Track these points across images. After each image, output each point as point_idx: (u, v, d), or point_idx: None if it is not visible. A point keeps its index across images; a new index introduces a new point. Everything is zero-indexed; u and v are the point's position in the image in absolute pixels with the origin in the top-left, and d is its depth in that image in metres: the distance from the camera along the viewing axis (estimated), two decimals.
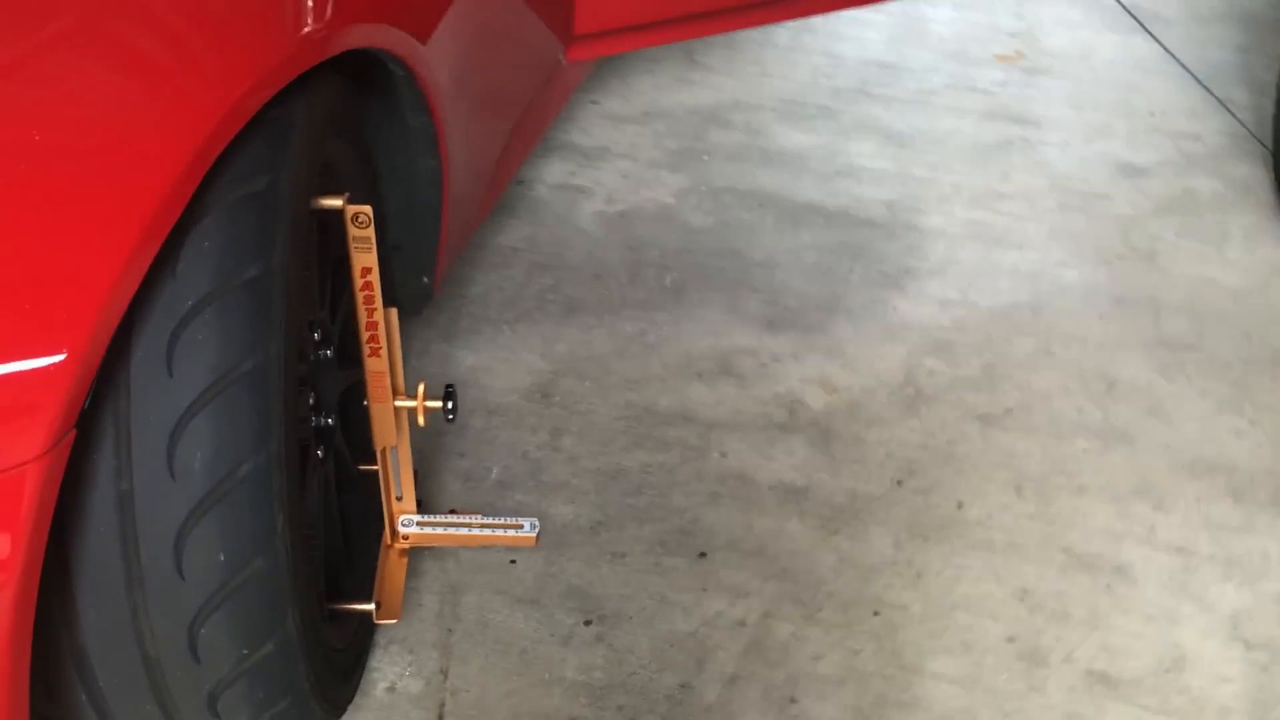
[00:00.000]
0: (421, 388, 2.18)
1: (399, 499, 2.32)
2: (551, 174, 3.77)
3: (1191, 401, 3.08)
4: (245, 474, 1.61)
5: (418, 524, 2.30)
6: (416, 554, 2.54)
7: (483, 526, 2.31)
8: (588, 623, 2.49)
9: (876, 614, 2.53)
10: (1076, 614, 2.55)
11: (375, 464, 2.42)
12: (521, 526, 2.33)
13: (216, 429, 1.59)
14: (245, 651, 1.69)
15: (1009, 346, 3.22)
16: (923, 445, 2.92)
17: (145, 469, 1.58)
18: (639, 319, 3.25)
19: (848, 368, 3.13)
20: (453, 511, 2.39)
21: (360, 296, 1.98)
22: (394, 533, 2.32)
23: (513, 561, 2.61)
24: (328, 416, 2.12)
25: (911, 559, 2.65)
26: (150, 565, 1.61)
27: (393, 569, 2.30)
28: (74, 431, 1.47)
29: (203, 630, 1.65)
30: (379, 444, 2.16)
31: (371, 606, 2.19)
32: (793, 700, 2.37)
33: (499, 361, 3.10)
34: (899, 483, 2.83)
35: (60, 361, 1.39)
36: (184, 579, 1.62)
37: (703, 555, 2.65)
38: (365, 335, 2.01)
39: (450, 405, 2.16)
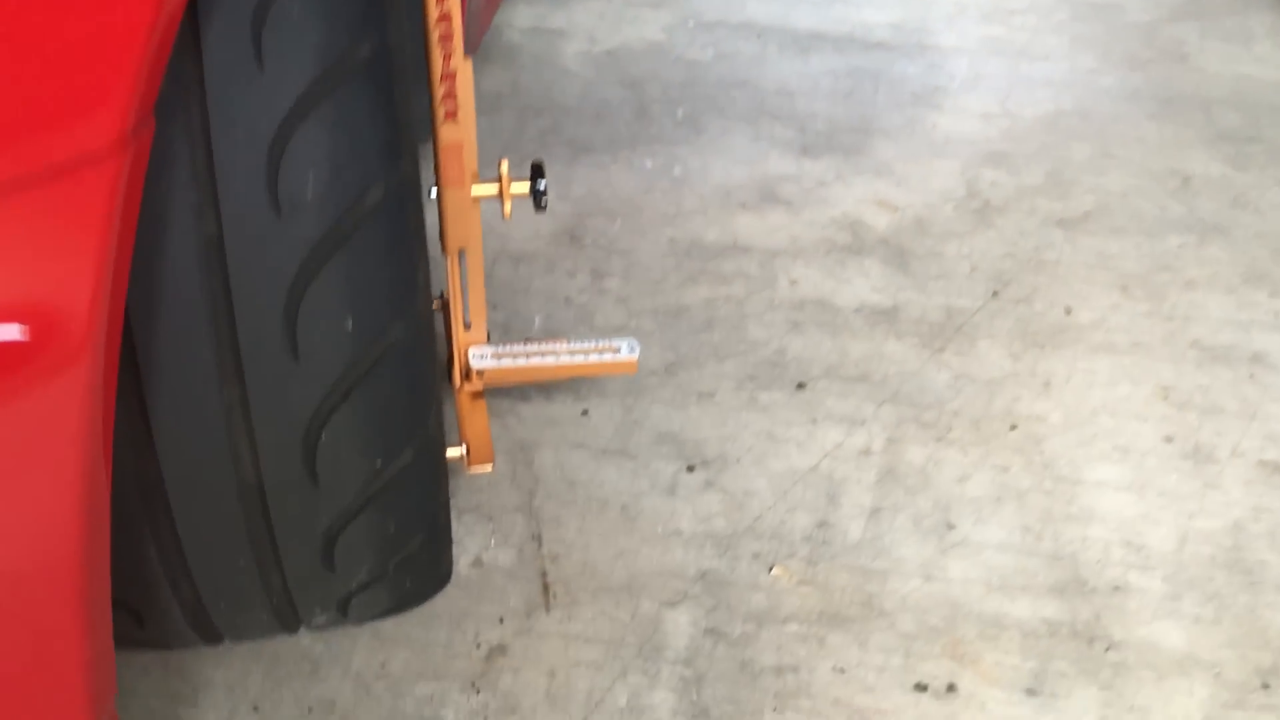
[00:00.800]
0: (504, 165, 1.74)
1: (467, 326, 1.88)
2: (519, 18, 3.32)
3: (1271, 190, 2.82)
4: (375, 202, 1.17)
5: (493, 356, 1.86)
6: None
7: (573, 353, 1.89)
8: (690, 469, 2.09)
9: (1014, 428, 2.19)
10: (1228, 406, 2.25)
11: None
12: (618, 350, 1.92)
13: (331, 138, 1.14)
14: (379, 464, 1.25)
15: (1067, 152, 2.91)
16: (1008, 254, 2.59)
17: (235, 201, 1.12)
18: (658, 154, 2.84)
19: (901, 186, 2.78)
20: (529, 341, 1.97)
21: (436, 38, 1.53)
22: (465, 371, 1.88)
23: (584, 413, 2.19)
24: None
25: (1033, 369, 2.32)
26: (250, 344, 1.15)
27: (470, 413, 1.86)
28: (153, 121, 1.00)
29: (324, 435, 1.20)
30: (451, 246, 1.72)
31: (461, 451, 1.75)
32: (950, 526, 2.01)
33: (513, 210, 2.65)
34: (995, 294, 2.50)
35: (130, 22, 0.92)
36: (297, 359, 1.17)
37: (801, 386, 2.27)
38: (440, 92, 1.57)
39: (542, 187, 1.73)
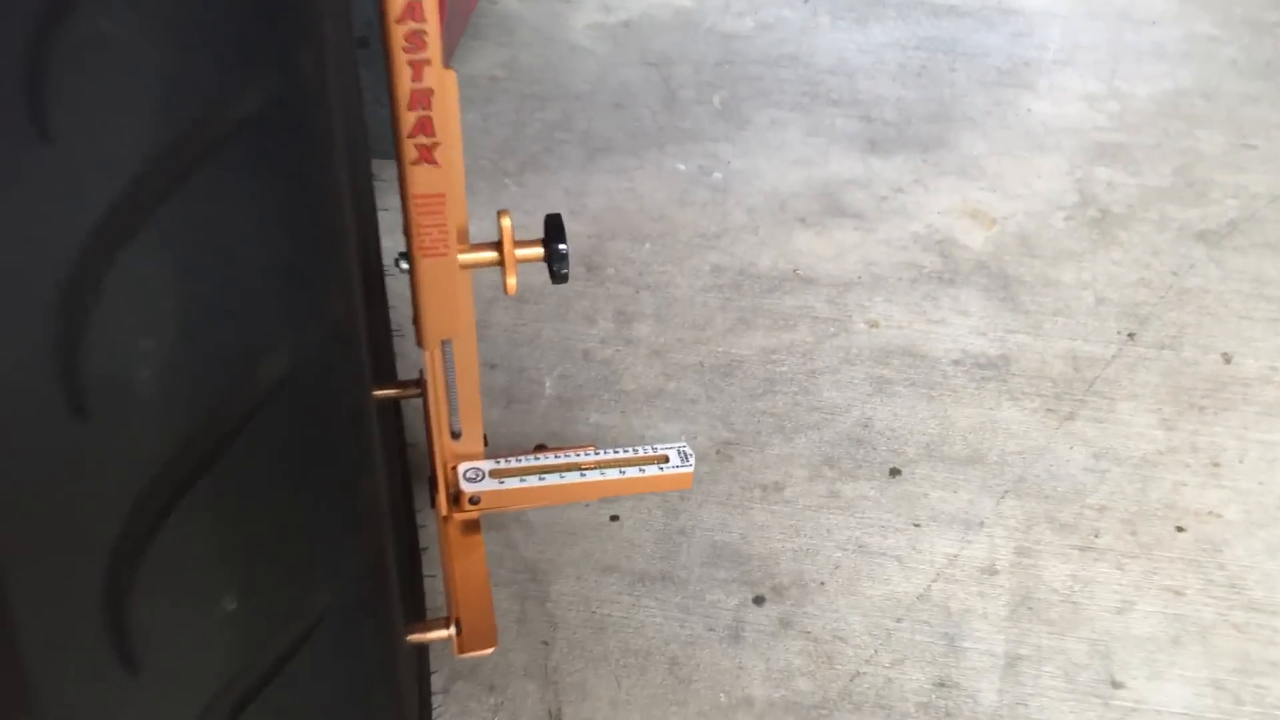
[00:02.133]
0: (505, 221, 1.20)
1: (456, 436, 1.34)
2: None
3: None
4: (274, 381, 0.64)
5: (492, 475, 1.33)
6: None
7: (603, 468, 1.36)
8: (759, 600, 1.57)
9: (1181, 529, 1.67)
10: None
11: (402, 385, 1.45)
12: (666, 459, 1.39)
13: (184, 285, 0.60)
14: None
15: (1194, 143, 2.36)
16: (1141, 281, 2.05)
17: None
18: (693, 153, 2.29)
19: (996, 190, 2.23)
20: (541, 449, 1.45)
21: (399, 43, 0.98)
22: (453, 495, 1.35)
23: (614, 519, 1.66)
24: None
25: (1194, 441, 1.78)
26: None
27: (461, 556, 1.34)
28: None
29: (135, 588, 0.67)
30: (430, 337, 1.18)
31: (448, 632, 1.22)
32: (1115, 684, 1.49)
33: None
34: (1130, 335, 1.96)
35: None
36: None
37: (895, 473, 1.74)
38: (408, 123, 1.03)
39: (561, 250, 1.19)
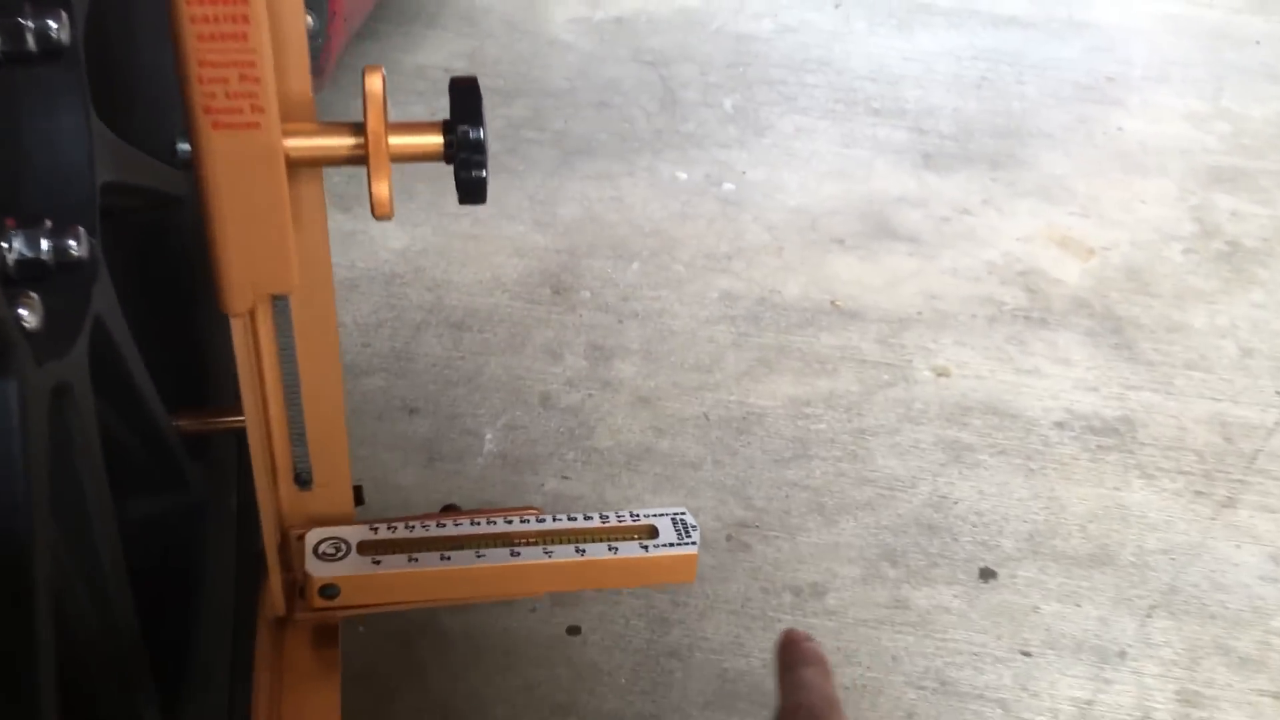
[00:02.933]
0: (375, 83, 0.68)
1: (302, 482, 0.80)
2: None
3: None
4: None
5: (359, 548, 0.79)
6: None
7: (555, 540, 0.82)
8: None
9: None
10: None
11: (226, 413, 0.92)
12: (654, 532, 0.84)
13: None
14: None
15: None
16: None
17: None
18: (699, 160, 1.78)
19: (1091, 215, 1.72)
20: (452, 511, 0.91)
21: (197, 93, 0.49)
22: (296, 587, 0.80)
23: (573, 630, 1.11)
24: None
25: None
26: None
27: (300, 692, 0.79)
28: None
29: None
30: (238, 291, 0.65)
31: None
32: None
33: (455, 239, 1.59)
34: None
35: None
36: None
37: (989, 575, 1.19)
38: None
39: (472, 137, 0.68)
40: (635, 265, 1.57)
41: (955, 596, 1.17)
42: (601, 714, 1.05)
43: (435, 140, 0.67)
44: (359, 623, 1.10)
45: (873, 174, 1.78)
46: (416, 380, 1.37)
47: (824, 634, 1.13)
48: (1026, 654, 1.12)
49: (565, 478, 1.26)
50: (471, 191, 0.68)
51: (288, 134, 0.64)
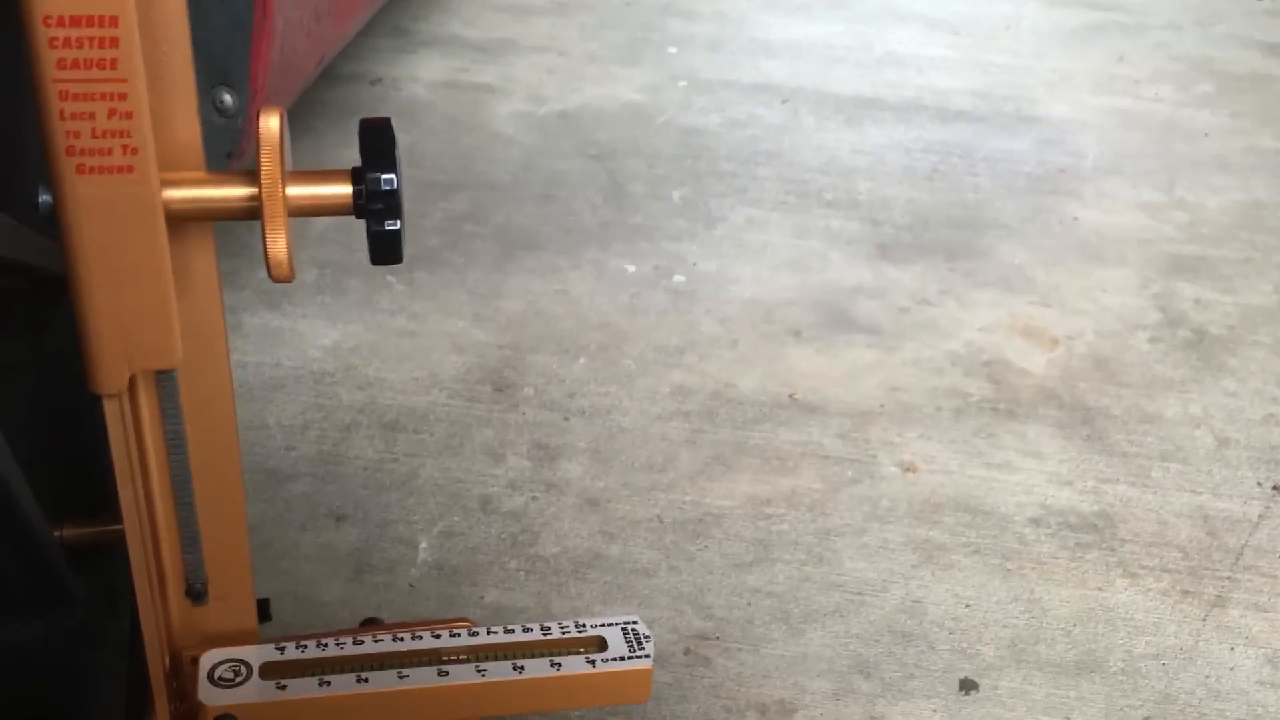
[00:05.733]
0: (273, 123, 0.59)
1: (196, 597, 0.69)
2: (428, 71, 2.22)
3: None
4: None
5: (263, 672, 0.68)
6: None
7: (488, 655, 0.71)
8: None
9: None
10: None
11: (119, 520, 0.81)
12: (603, 643, 0.74)
13: None
14: None
15: None
16: (1271, 418, 1.47)
17: None
18: (647, 253, 1.71)
19: (1053, 304, 1.66)
20: (372, 624, 0.80)
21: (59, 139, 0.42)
22: (189, 717, 0.69)
23: None
24: None
25: None
26: None
27: None
28: None
29: None
30: (108, 368, 0.55)
31: None
32: None
33: (389, 335, 1.50)
34: (1276, 488, 1.36)
35: None
36: None
37: (970, 686, 1.10)
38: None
39: (383, 185, 0.60)
40: (582, 360, 1.48)
41: (935, 711, 1.07)
42: None
43: (342, 190, 0.59)
44: None
45: (828, 265, 1.72)
46: (345, 485, 1.27)
47: None
48: None
49: (507, 589, 1.16)
50: (385, 248, 0.59)
51: (168, 183, 0.56)
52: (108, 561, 0.88)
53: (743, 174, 1.95)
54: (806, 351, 1.54)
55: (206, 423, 0.64)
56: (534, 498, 1.28)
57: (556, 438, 1.36)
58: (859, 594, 1.19)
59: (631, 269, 1.68)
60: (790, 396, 1.46)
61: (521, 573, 1.18)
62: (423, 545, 1.20)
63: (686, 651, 1.11)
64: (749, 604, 1.17)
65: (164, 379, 0.62)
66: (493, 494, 1.28)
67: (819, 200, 1.89)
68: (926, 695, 1.09)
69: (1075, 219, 1.90)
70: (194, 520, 0.66)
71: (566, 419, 1.39)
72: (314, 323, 1.51)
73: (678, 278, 1.67)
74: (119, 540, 0.83)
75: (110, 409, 0.59)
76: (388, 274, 1.61)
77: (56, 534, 0.81)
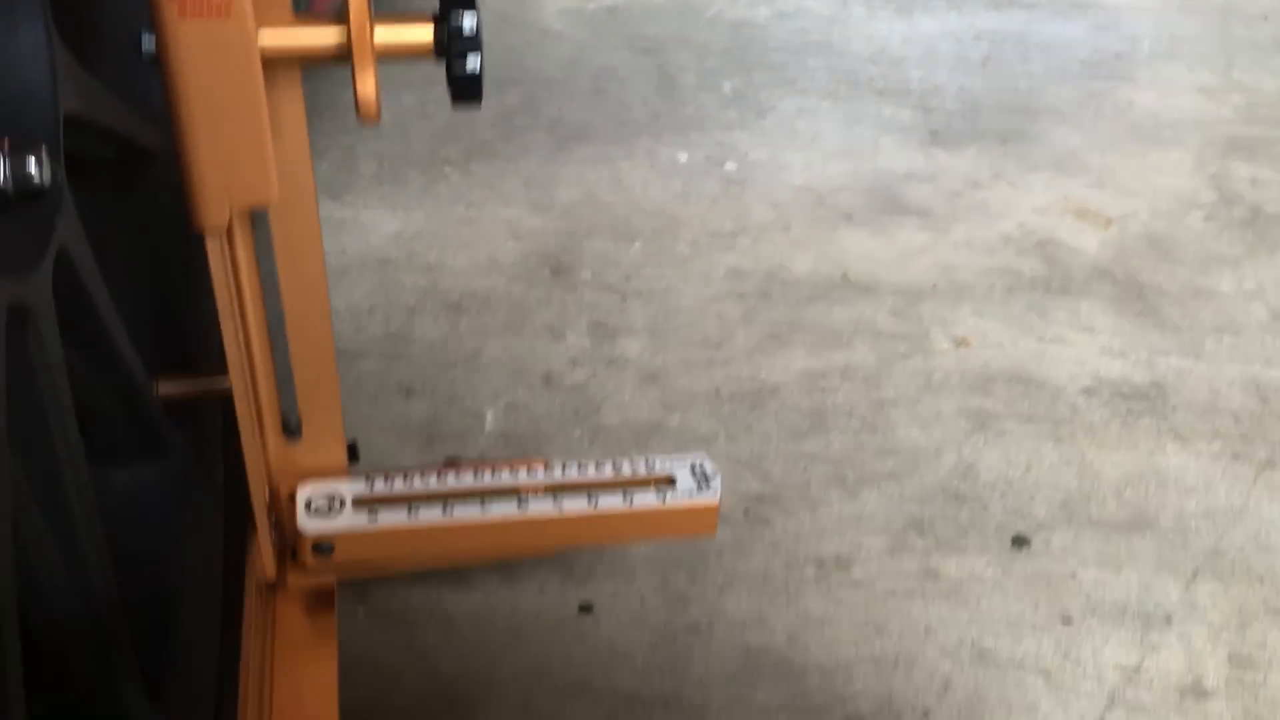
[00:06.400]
0: None
1: (291, 433, 0.74)
2: None
3: None
4: None
5: (355, 503, 0.73)
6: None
7: (565, 492, 0.75)
8: None
9: None
10: None
11: (211, 379, 0.86)
12: (672, 481, 0.78)
13: None
14: None
15: None
16: None
17: None
18: (699, 143, 1.73)
19: (1107, 186, 1.67)
20: (454, 464, 0.85)
21: None
22: (287, 549, 0.74)
23: (585, 608, 1.04)
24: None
25: None
26: None
27: (293, 661, 0.72)
28: None
29: None
30: (213, 204, 0.59)
31: None
32: None
33: (449, 223, 1.53)
34: None
35: None
36: None
37: (1022, 543, 1.13)
38: None
39: (464, 29, 0.62)
40: (637, 245, 1.51)
41: (988, 565, 1.11)
42: (618, 693, 0.98)
43: (424, 33, 0.62)
44: (358, 606, 1.04)
45: (879, 152, 1.73)
46: (412, 363, 1.31)
47: (852, 607, 1.06)
48: (1067, 622, 1.06)
49: (572, 456, 1.20)
50: (466, 88, 0.62)
51: (262, 25, 0.59)
52: (202, 417, 0.93)
53: (793, 65, 1.95)
54: (859, 234, 1.56)
55: (297, 265, 0.68)
56: (594, 373, 1.31)
57: (615, 317, 1.40)
58: (913, 459, 1.22)
59: (683, 158, 1.70)
60: (843, 277, 1.48)
61: (585, 441, 1.22)
62: (489, 417, 1.25)
63: (746, 512, 1.15)
64: (805, 469, 1.21)
65: (259, 219, 0.65)
66: (554, 370, 1.32)
67: (870, 89, 1.89)
68: (980, 550, 1.12)
69: (1130, 103, 1.89)
70: (287, 356, 0.71)
71: (624, 300, 1.42)
72: (375, 213, 1.55)
73: (729, 166, 1.68)
74: (212, 396, 0.88)
75: (213, 247, 0.63)
76: (445, 165, 1.64)
77: (156, 389, 0.86)
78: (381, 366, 1.31)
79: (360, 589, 1.06)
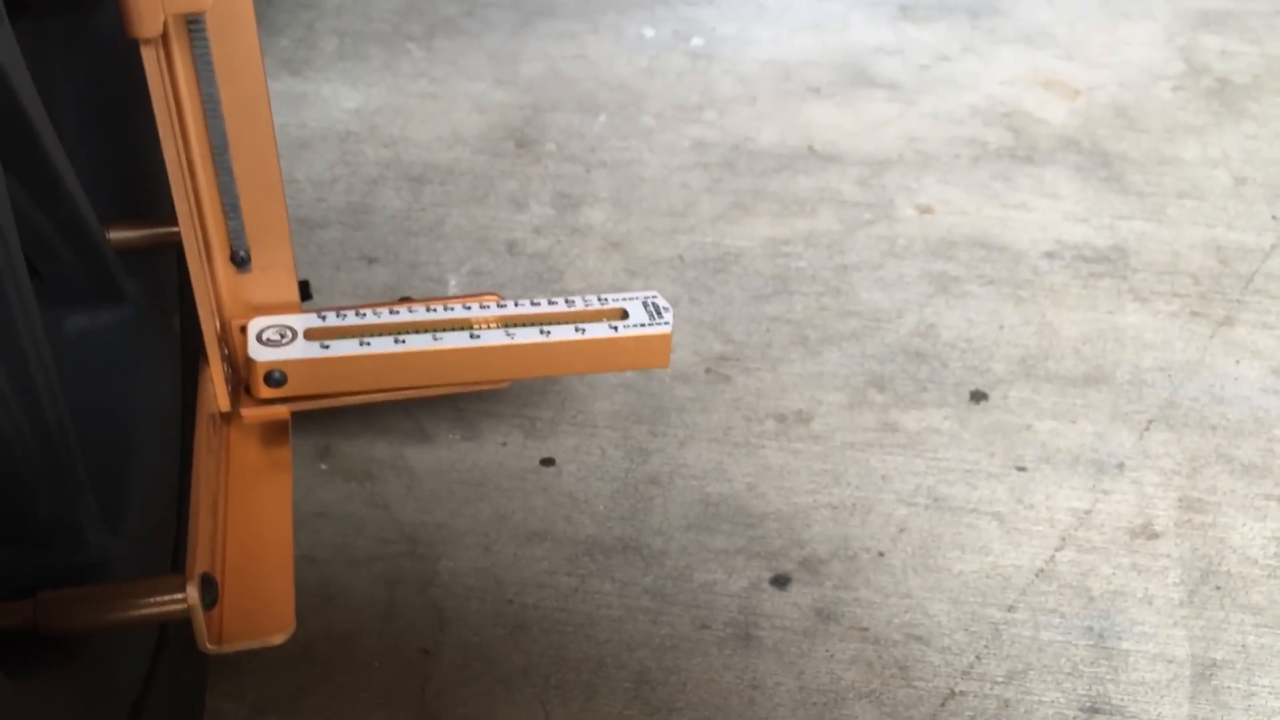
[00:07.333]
0: None
1: (240, 263, 0.74)
2: None
3: None
4: None
5: (306, 335, 0.73)
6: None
7: (517, 324, 0.75)
8: (780, 580, 0.96)
9: None
10: None
11: (164, 225, 0.85)
12: (624, 314, 0.79)
13: None
14: None
15: None
16: None
17: None
18: (665, 18, 1.71)
19: (1075, 58, 1.66)
20: (406, 301, 0.84)
21: None
22: (240, 383, 0.74)
23: (546, 461, 1.05)
24: None
25: None
26: None
27: (244, 486, 0.73)
28: None
29: None
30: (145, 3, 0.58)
31: (188, 601, 0.61)
32: None
33: (411, 98, 1.52)
34: None
35: None
36: None
37: (980, 397, 1.14)
38: None
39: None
40: (602, 118, 1.50)
41: (946, 418, 1.12)
42: (578, 540, 1.00)
43: None
44: (320, 461, 1.05)
45: (848, 26, 1.71)
46: (375, 232, 1.31)
47: (810, 458, 1.08)
48: (1021, 469, 1.07)
49: None
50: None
51: None
52: (158, 265, 0.93)
53: None
54: (825, 107, 1.55)
55: (238, 83, 0.67)
56: (558, 241, 1.31)
57: (579, 188, 1.39)
58: (874, 320, 1.23)
59: (650, 33, 1.68)
60: (809, 148, 1.47)
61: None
62: (452, 283, 1.25)
63: (708, 370, 1.16)
64: (767, 330, 1.21)
65: (195, 30, 0.65)
66: (518, 238, 1.32)
67: None
68: (938, 405, 1.14)
69: None
70: (233, 185, 0.70)
71: (588, 171, 1.42)
72: (337, 87, 1.53)
73: (696, 41, 1.67)
74: (164, 244, 0.88)
75: (148, 55, 0.62)
76: (407, 41, 1.62)
77: (108, 235, 0.86)
78: (344, 235, 1.30)
79: (323, 446, 1.07)
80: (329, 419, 1.06)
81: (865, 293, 1.26)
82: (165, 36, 0.62)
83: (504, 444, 1.08)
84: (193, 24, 0.64)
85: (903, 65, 1.64)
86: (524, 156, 1.43)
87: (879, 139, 1.49)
